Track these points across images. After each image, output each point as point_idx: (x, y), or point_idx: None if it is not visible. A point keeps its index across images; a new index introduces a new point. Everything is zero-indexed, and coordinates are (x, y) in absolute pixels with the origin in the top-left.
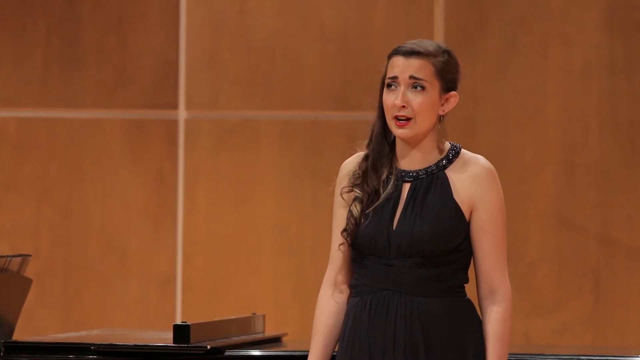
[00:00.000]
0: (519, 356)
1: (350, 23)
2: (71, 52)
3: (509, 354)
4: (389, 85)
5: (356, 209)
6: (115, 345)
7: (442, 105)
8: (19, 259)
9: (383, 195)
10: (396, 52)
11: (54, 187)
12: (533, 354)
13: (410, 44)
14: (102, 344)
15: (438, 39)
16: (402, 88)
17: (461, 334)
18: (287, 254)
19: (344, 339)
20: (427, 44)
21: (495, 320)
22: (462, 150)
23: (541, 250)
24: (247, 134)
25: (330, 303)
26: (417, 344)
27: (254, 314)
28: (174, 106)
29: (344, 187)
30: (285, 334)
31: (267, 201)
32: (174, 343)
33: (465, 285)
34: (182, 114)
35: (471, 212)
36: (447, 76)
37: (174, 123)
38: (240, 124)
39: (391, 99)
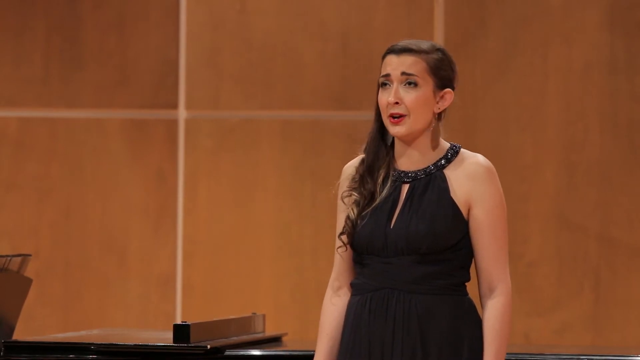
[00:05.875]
0: (519, 356)
1: (350, 23)
2: (71, 52)
3: (510, 353)
4: (383, 85)
5: (353, 212)
6: (115, 345)
7: (437, 102)
8: (19, 259)
9: (381, 196)
10: (389, 51)
11: (54, 186)
12: (533, 354)
13: (403, 42)
14: (102, 344)
15: (438, 38)
16: (395, 85)
17: (458, 334)
18: (287, 254)
19: (345, 337)
20: (421, 43)
21: (492, 317)
22: (462, 149)
23: (541, 249)
24: (247, 133)
25: (331, 306)
26: (414, 343)
27: (254, 313)
28: (174, 106)
29: (344, 192)
30: (285, 334)
31: (267, 201)
32: (174, 343)
33: (466, 284)
34: (182, 113)
35: (469, 210)
36: (441, 73)
37: (174, 123)
38: (241, 123)
39: (385, 97)
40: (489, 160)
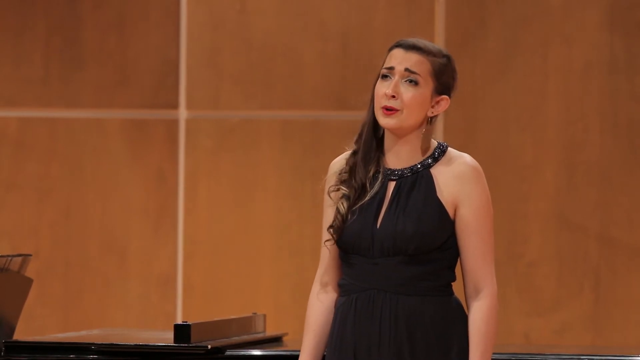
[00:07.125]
0: (519, 356)
1: (350, 23)
2: (71, 52)
3: (510, 353)
4: (384, 76)
5: (343, 206)
6: (115, 345)
7: (432, 106)
8: (19, 259)
9: (369, 194)
10: (397, 45)
11: (54, 187)
12: (533, 354)
13: (413, 39)
14: (102, 344)
15: (438, 39)
16: (396, 78)
17: (446, 334)
18: (287, 254)
19: (332, 338)
20: (430, 44)
21: (478, 319)
22: (449, 149)
23: (541, 249)
24: (247, 133)
25: (318, 302)
26: (402, 343)
27: (255, 313)
28: (175, 106)
29: (331, 186)
30: (286, 334)
31: (267, 201)
32: (174, 343)
33: (452, 283)
34: (182, 113)
35: (455, 210)
36: (442, 78)
37: (174, 123)
38: (241, 123)
39: (383, 88)
40: (490, 160)
